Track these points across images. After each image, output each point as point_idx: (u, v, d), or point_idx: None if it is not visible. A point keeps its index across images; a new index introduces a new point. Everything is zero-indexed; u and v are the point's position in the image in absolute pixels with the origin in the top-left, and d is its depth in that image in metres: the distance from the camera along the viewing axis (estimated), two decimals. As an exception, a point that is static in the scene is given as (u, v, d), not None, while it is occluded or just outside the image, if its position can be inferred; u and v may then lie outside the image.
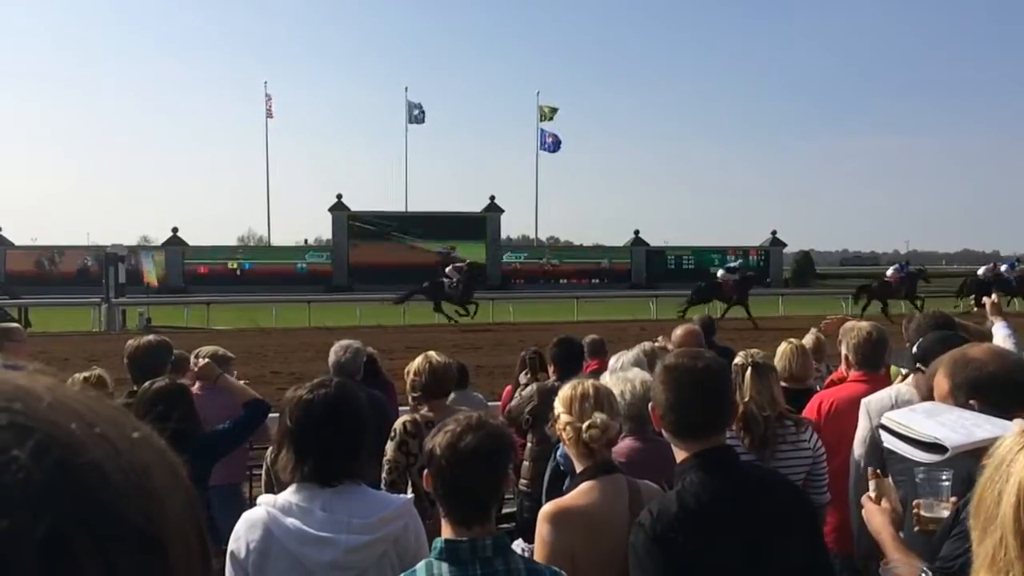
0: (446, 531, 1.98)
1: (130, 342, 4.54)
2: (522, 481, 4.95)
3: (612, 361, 4.36)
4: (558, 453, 4.22)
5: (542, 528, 2.34)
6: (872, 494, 2.13)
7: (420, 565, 1.95)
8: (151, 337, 4.61)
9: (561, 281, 44.09)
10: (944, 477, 1.94)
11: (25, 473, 0.44)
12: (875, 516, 2.03)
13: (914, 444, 1.88)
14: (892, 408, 3.38)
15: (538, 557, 2.30)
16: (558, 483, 4.39)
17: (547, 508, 2.41)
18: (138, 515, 0.47)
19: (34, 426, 0.46)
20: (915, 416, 1.94)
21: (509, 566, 1.94)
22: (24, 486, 0.43)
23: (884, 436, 2.00)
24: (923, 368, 3.03)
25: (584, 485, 2.43)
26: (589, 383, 2.64)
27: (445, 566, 1.90)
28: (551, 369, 5.33)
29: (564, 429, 2.54)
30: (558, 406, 2.61)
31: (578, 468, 2.54)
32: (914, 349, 3.19)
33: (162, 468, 0.51)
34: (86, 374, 4.24)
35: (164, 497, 0.49)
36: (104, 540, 0.45)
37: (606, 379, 3.30)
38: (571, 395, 2.58)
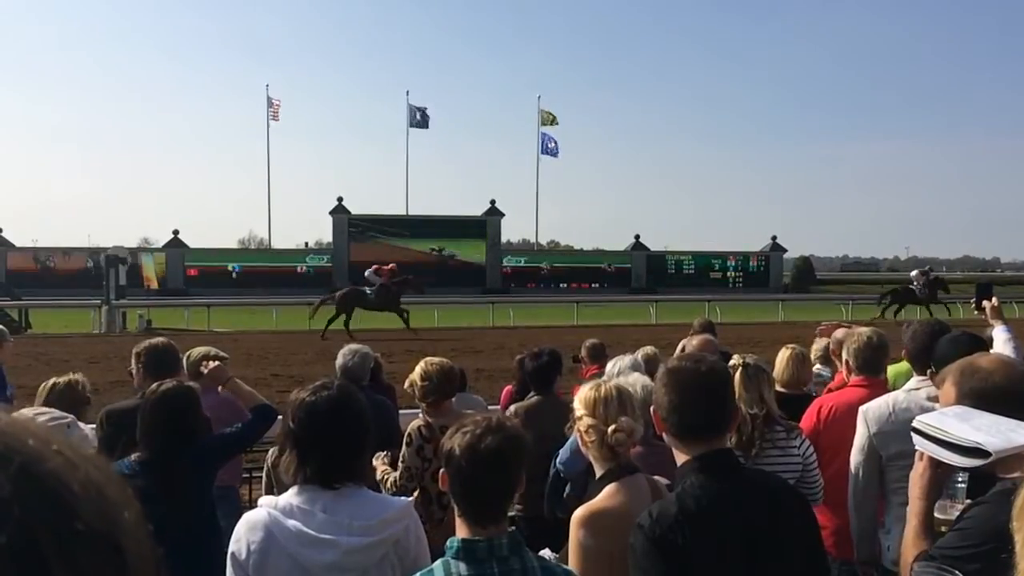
0: (461, 530, 1.99)
1: (146, 342, 4.53)
2: (515, 506, 4.91)
3: (609, 366, 4.35)
4: (557, 460, 4.22)
5: (578, 533, 2.33)
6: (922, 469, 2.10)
7: (437, 564, 1.96)
8: (161, 340, 4.61)
9: (561, 285, 44.12)
10: (960, 479, 1.94)
11: (11, 503, 0.47)
12: (916, 483, 2.04)
13: (952, 448, 1.88)
14: (890, 415, 3.40)
15: (574, 562, 2.28)
16: (559, 489, 4.40)
17: (581, 513, 2.38)
18: (97, 520, 0.50)
19: (12, 456, 0.49)
20: (949, 420, 1.94)
21: (525, 564, 1.96)
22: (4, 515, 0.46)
23: (916, 439, 1.99)
24: (934, 367, 3.06)
25: (610, 487, 2.42)
26: (612, 385, 2.62)
27: (463, 565, 1.92)
28: (527, 381, 5.22)
29: (586, 432, 2.53)
30: (579, 408, 2.60)
31: (598, 471, 2.53)
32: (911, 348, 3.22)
33: (114, 484, 0.54)
34: (64, 378, 4.21)
35: (119, 507, 0.53)
36: (68, 541, 0.48)
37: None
38: (594, 397, 2.56)
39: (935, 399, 2.93)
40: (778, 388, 4.54)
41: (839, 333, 4.90)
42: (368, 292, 22.92)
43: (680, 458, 2.16)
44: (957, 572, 1.73)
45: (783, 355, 4.56)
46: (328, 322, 21.72)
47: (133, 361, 4.39)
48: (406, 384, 4.23)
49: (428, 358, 4.21)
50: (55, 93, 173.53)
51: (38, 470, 0.49)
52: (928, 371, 3.06)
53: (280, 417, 3.02)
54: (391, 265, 24.50)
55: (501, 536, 1.97)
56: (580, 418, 2.57)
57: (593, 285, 44.67)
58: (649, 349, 5.31)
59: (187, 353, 4.70)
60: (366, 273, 24.12)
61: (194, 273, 41.82)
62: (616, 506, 2.38)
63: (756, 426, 3.48)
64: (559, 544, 2.65)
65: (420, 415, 4.18)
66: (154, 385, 3.45)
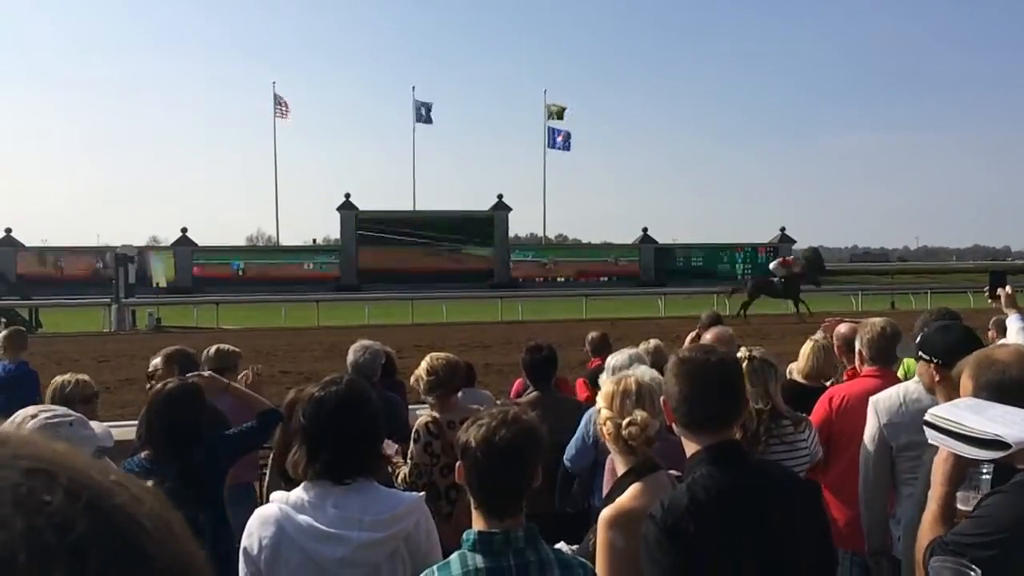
0: (478, 523, 2.00)
1: (178, 348, 4.69)
2: None
3: (609, 360, 4.33)
4: (565, 457, 4.23)
5: (608, 534, 2.31)
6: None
7: (453, 557, 1.97)
8: (191, 349, 4.73)
9: (559, 279, 44.12)
10: (984, 471, 1.94)
11: (61, 518, 0.42)
12: (939, 468, 2.03)
13: (968, 441, 1.87)
14: (900, 406, 3.38)
15: (603, 563, 2.26)
16: (568, 485, 4.41)
17: (609, 514, 2.36)
18: (167, 556, 0.46)
19: (58, 471, 0.44)
20: (962, 412, 1.93)
21: (541, 556, 1.97)
22: (61, 531, 0.42)
23: (929, 433, 1.98)
24: (925, 356, 3.02)
25: (635, 487, 2.40)
26: (632, 379, 2.60)
27: (479, 557, 1.93)
28: (524, 376, 5.20)
29: (604, 424, 2.52)
30: (600, 401, 2.60)
31: (620, 468, 2.53)
32: (917, 339, 3.19)
33: (177, 517, 0.50)
34: (67, 377, 4.23)
35: (187, 543, 0.49)
36: None
37: (602, 379, 3.29)
38: (612, 391, 2.55)
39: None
40: (798, 379, 4.53)
41: (843, 328, 4.87)
42: (775, 281, 25.84)
43: (690, 449, 2.16)
44: (976, 568, 1.72)
45: (806, 347, 4.54)
46: (742, 307, 24.85)
47: (162, 362, 4.46)
48: (412, 379, 4.25)
49: (434, 353, 4.24)
50: (63, 92, 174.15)
51: (108, 505, 0.44)
52: (933, 362, 3.01)
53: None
54: (792, 257, 28.71)
55: (517, 528, 1.97)
56: (599, 411, 2.57)
57: (601, 279, 44.60)
58: (655, 342, 5.30)
59: (205, 351, 4.83)
60: (771, 265, 27.37)
61: (202, 271, 41.96)
62: (642, 506, 2.35)
63: (762, 421, 3.45)
64: (571, 537, 2.64)
65: (427, 410, 4.19)
66: (159, 384, 3.47)
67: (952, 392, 2.52)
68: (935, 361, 2.97)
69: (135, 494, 0.47)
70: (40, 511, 0.42)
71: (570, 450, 4.24)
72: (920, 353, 3.08)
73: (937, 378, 2.95)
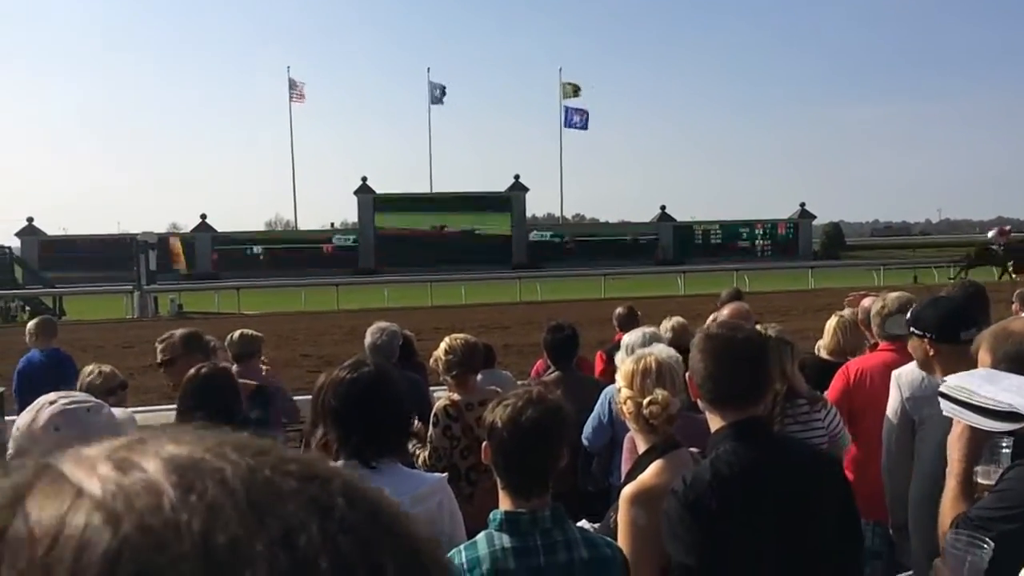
0: (504, 502, 2.01)
1: (191, 330, 4.78)
2: None
3: (625, 339, 4.30)
4: (583, 436, 4.24)
5: (631, 511, 2.32)
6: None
7: (480, 537, 1.98)
8: (198, 331, 4.85)
9: (590, 261, 43.99)
10: (1004, 444, 1.92)
11: (350, 524, 0.40)
12: (955, 444, 2.02)
13: (983, 413, 1.85)
14: (923, 380, 3.35)
15: (625, 540, 2.27)
16: (588, 464, 4.42)
17: (630, 491, 2.37)
18: (434, 557, 0.44)
19: (331, 477, 0.43)
20: (977, 383, 1.91)
21: (567, 536, 1.97)
22: (355, 539, 0.40)
23: (944, 404, 1.96)
24: (917, 332, 2.97)
25: (656, 465, 2.40)
26: (652, 357, 2.58)
27: (505, 537, 1.93)
28: (546, 356, 5.19)
29: (625, 403, 2.53)
30: (619, 380, 2.60)
31: (640, 446, 2.52)
32: (908, 314, 3.14)
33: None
34: (91, 368, 4.28)
35: (442, 549, 0.47)
36: None
37: (619, 358, 3.28)
38: (633, 369, 2.54)
39: None
40: (823, 355, 4.50)
41: (867, 302, 4.84)
42: (995, 249, 28.70)
43: (714, 424, 2.16)
44: (988, 541, 1.71)
45: (830, 323, 4.51)
46: (963, 271, 26.29)
47: (181, 346, 4.50)
48: (431, 360, 4.28)
49: (453, 334, 4.26)
50: (82, 83, 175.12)
51: (383, 512, 0.42)
52: (926, 337, 2.93)
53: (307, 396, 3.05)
54: (1008, 228, 32.26)
55: (544, 508, 1.98)
56: (619, 390, 2.57)
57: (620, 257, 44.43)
58: (677, 319, 5.28)
59: (228, 336, 4.89)
60: (989, 235, 31.60)
61: (223, 256, 42.24)
62: (664, 483, 2.35)
63: (777, 401, 3.42)
64: (593, 516, 2.65)
65: (445, 392, 4.21)
66: (193, 369, 3.51)
67: (948, 367, 2.48)
68: (927, 336, 2.91)
69: (395, 501, 0.45)
70: (330, 516, 0.39)
71: (587, 429, 4.26)
72: (912, 329, 3.01)
73: (931, 352, 2.90)
